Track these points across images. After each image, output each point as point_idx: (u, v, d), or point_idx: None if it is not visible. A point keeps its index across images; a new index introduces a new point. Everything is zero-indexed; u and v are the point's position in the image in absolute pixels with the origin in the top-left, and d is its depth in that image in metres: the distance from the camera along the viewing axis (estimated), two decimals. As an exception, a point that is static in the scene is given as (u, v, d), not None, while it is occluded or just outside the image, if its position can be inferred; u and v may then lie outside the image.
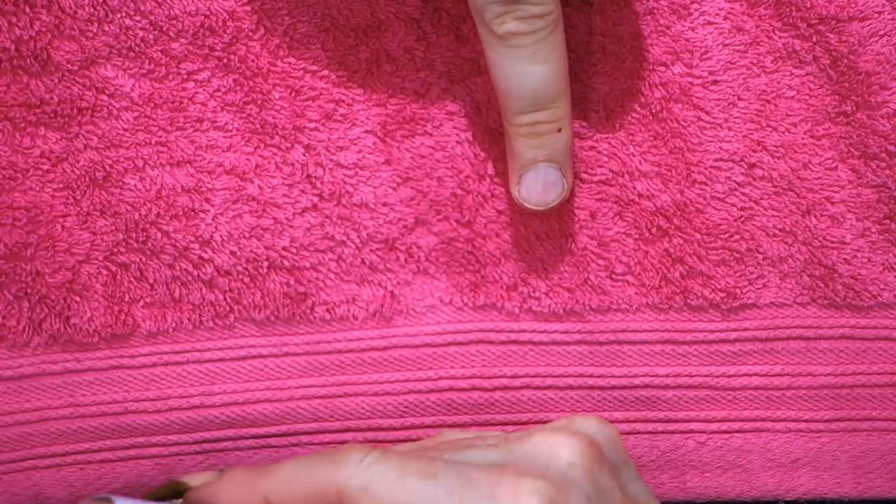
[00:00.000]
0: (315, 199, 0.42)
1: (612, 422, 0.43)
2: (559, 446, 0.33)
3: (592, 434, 0.34)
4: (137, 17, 0.40)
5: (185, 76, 0.41)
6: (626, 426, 0.43)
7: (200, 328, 0.42)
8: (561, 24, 0.37)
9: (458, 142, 0.42)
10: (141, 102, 0.41)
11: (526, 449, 0.33)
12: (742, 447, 0.44)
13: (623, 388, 0.43)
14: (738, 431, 0.44)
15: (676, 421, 0.43)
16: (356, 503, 0.31)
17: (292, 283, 0.42)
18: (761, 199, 0.42)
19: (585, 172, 0.42)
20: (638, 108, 0.41)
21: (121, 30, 0.40)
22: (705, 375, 0.43)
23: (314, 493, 0.32)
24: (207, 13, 0.40)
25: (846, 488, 0.44)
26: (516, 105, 0.38)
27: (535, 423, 0.43)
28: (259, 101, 0.41)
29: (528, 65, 0.36)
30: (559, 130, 0.38)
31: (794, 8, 0.40)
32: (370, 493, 0.31)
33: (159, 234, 0.41)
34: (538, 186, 0.39)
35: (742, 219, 0.42)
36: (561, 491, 0.31)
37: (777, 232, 0.42)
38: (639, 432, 0.43)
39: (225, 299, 0.42)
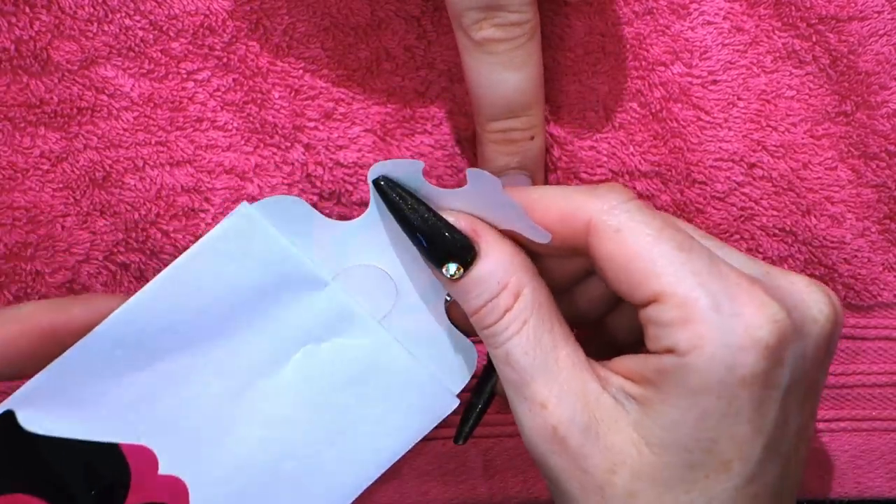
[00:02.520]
0: (315, 199, 0.42)
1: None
2: (814, 299, 0.32)
3: (839, 313, 0.33)
4: (137, 17, 0.40)
5: (184, 76, 0.41)
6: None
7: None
8: (538, 32, 0.37)
9: (457, 140, 0.42)
10: (141, 102, 0.41)
11: (783, 281, 0.33)
12: (742, 447, 0.44)
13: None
14: (737, 431, 0.44)
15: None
16: (603, 241, 0.32)
17: (292, 282, 0.42)
18: (761, 199, 0.42)
19: (585, 172, 0.42)
20: (638, 108, 0.41)
21: (120, 30, 0.40)
22: (705, 375, 0.43)
23: (568, 214, 0.32)
24: (207, 13, 0.40)
25: (846, 488, 0.44)
26: (490, 111, 0.38)
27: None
28: (259, 101, 0.41)
29: (503, 72, 0.37)
30: (532, 138, 0.39)
31: (793, 8, 0.40)
32: (620, 237, 0.31)
33: (159, 234, 0.41)
34: None
35: (742, 219, 0.42)
36: (794, 334, 0.31)
37: (777, 232, 0.42)
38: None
39: (225, 299, 0.42)
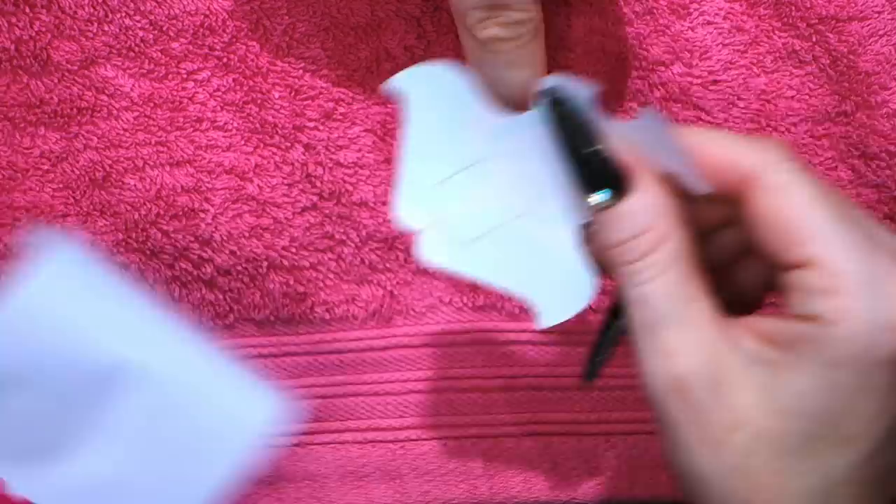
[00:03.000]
0: (315, 199, 0.42)
1: (611, 422, 0.43)
2: None
3: None
4: (137, 17, 0.40)
5: (184, 76, 0.41)
6: (626, 426, 0.43)
7: (200, 328, 0.42)
8: (542, 30, 0.37)
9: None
10: (141, 102, 0.41)
11: None
12: (742, 447, 0.44)
13: (623, 388, 0.43)
14: (737, 431, 0.44)
15: (676, 421, 0.43)
16: (763, 197, 0.32)
17: (292, 282, 0.42)
18: (761, 198, 0.42)
19: (585, 172, 0.42)
20: (638, 108, 0.41)
21: (120, 30, 0.40)
22: (705, 375, 0.43)
23: (729, 163, 0.32)
24: (207, 13, 0.40)
25: (846, 488, 0.44)
26: None
27: (536, 423, 0.43)
28: (259, 101, 0.41)
29: (508, 70, 0.37)
30: None
31: (793, 8, 0.40)
32: (781, 195, 0.31)
33: (159, 234, 0.41)
34: None
35: (742, 219, 0.42)
36: None
37: (777, 232, 0.42)
38: (638, 432, 0.43)
39: (225, 299, 0.42)
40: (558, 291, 0.35)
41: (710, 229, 0.36)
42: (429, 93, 0.34)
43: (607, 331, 0.36)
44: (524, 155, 0.34)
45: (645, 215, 0.32)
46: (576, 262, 0.35)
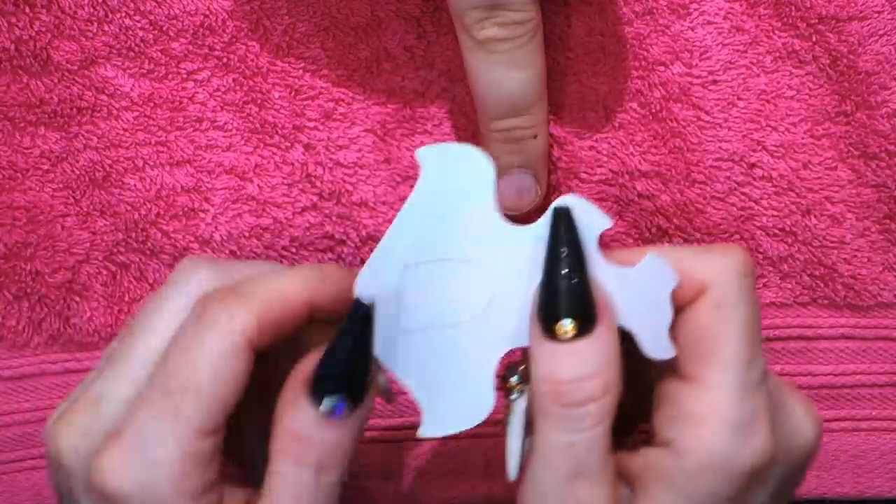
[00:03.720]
0: (315, 199, 0.42)
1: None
2: (805, 428, 0.33)
3: (819, 438, 0.34)
4: (137, 17, 0.40)
5: (184, 76, 0.41)
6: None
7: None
8: (541, 30, 0.37)
9: (457, 140, 0.42)
10: (141, 102, 0.41)
11: (788, 400, 0.33)
12: (742, 447, 0.44)
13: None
14: (737, 431, 0.44)
15: (676, 421, 0.43)
16: (702, 303, 0.32)
17: (292, 282, 0.42)
18: (761, 199, 0.42)
19: (585, 172, 0.42)
20: (638, 108, 0.41)
21: (120, 30, 0.40)
22: (705, 375, 0.43)
23: (683, 273, 0.32)
24: (207, 13, 0.40)
25: (846, 488, 0.44)
26: (493, 110, 0.38)
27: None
28: (259, 101, 0.41)
29: (506, 71, 0.37)
30: (535, 137, 0.39)
31: (793, 8, 0.40)
32: (720, 310, 0.31)
33: (159, 234, 0.41)
34: (512, 192, 0.39)
35: (742, 219, 0.42)
36: (783, 459, 0.32)
37: (777, 232, 0.42)
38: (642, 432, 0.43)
39: (225, 299, 0.42)
40: (452, 408, 0.34)
41: None
42: (447, 174, 0.33)
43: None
44: (501, 267, 0.33)
45: (599, 358, 0.31)
46: (485, 386, 0.34)
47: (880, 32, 0.40)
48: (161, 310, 0.33)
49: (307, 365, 0.32)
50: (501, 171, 0.39)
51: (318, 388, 0.31)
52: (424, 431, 0.34)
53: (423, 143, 0.42)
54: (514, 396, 0.34)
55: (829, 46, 0.40)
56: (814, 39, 0.41)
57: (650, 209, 0.42)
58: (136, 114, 0.41)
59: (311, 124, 0.41)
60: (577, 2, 0.40)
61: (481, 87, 0.37)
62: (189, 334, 0.31)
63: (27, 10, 0.40)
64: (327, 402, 0.31)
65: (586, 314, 0.31)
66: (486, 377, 0.34)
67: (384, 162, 0.41)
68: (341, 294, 0.33)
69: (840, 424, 0.43)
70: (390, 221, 0.42)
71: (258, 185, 0.41)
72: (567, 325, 0.31)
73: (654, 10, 0.40)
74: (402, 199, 0.42)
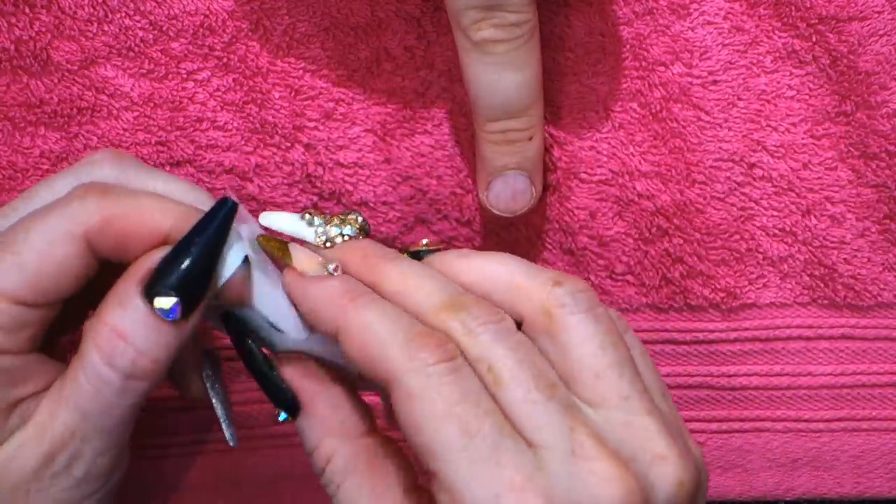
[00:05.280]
0: (315, 199, 0.42)
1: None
2: (606, 488, 0.29)
3: (659, 490, 0.30)
4: (137, 17, 0.40)
5: (184, 76, 0.41)
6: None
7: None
8: (537, 32, 0.37)
9: (457, 140, 0.42)
10: (141, 102, 0.41)
11: (578, 466, 0.29)
12: (742, 447, 0.44)
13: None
14: (738, 431, 0.44)
15: (676, 421, 0.43)
16: (396, 403, 0.30)
17: (292, 282, 0.42)
18: (761, 199, 0.42)
19: (585, 172, 0.42)
20: (638, 108, 0.41)
21: (120, 30, 0.40)
22: (705, 375, 0.43)
23: (375, 362, 0.31)
24: (207, 13, 0.40)
25: (846, 488, 0.44)
26: (489, 112, 0.38)
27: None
28: (259, 101, 0.41)
29: (502, 72, 0.36)
30: (530, 139, 0.38)
31: (793, 8, 0.40)
32: (411, 404, 0.30)
33: (159, 234, 0.41)
34: (507, 193, 0.39)
35: (742, 219, 0.42)
36: None
37: (777, 232, 0.42)
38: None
39: (225, 299, 0.42)
40: None
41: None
42: None
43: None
44: None
45: (309, 436, 0.33)
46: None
47: (880, 32, 0.40)
48: (50, 185, 0.34)
49: (146, 262, 0.32)
50: (496, 173, 0.39)
51: (157, 286, 0.31)
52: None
53: (423, 143, 0.42)
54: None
55: (829, 46, 0.40)
56: (814, 39, 0.41)
57: (650, 209, 0.42)
58: (136, 114, 0.41)
59: (311, 124, 0.41)
60: (577, 2, 0.40)
61: (477, 88, 0.37)
62: (42, 209, 0.32)
63: (27, 10, 0.40)
64: (164, 301, 0.31)
65: (286, 401, 0.34)
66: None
67: (384, 162, 0.41)
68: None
69: (840, 424, 0.44)
70: (391, 221, 0.42)
71: (258, 185, 0.41)
72: (283, 416, 0.34)
73: (654, 10, 0.40)
74: (403, 198, 0.42)
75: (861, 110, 0.41)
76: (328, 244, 0.35)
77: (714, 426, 0.44)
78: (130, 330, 0.31)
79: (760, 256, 0.42)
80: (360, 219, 0.35)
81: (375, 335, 0.31)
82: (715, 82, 0.41)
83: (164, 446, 0.43)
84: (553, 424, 0.30)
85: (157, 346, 0.32)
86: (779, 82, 0.41)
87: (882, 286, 0.42)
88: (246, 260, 0.33)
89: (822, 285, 0.42)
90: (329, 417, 0.33)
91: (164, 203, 0.33)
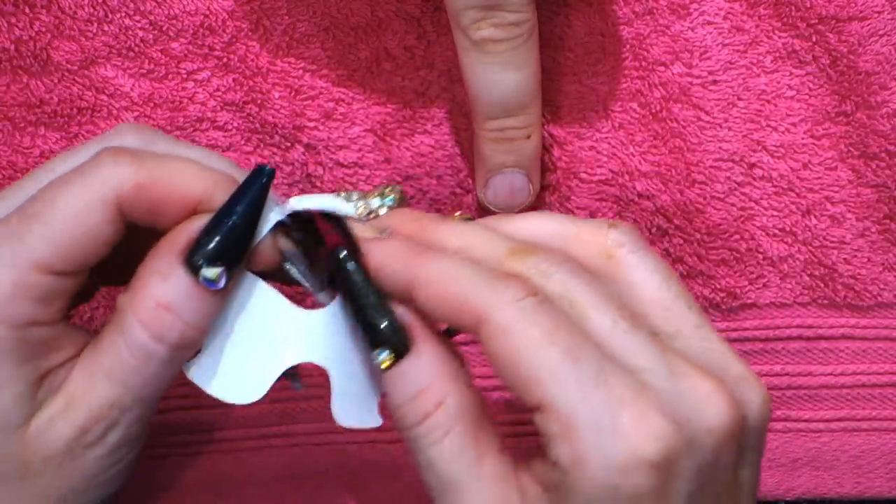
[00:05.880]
0: (315, 199, 0.42)
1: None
2: (711, 402, 0.30)
3: (751, 407, 0.31)
4: (137, 17, 0.40)
5: (184, 76, 0.41)
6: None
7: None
8: (536, 31, 0.37)
9: (457, 140, 0.42)
10: (141, 102, 0.41)
11: (686, 384, 0.30)
12: (742, 447, 0.44)
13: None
14: (737, 431, 0.44)
15: (676, 421, 0.43)
16: (490, 340, 0.30)
17: (292, 282, 0.42)
18: (761, 199, 0.42)
19: (585, 172, 0.42)
20: (638, 108, 0.41)
21: (120, 30, 0.40)
22: (705, 375, 0.43)
23: (459, 304, 0.30)
24: (207, 13, 0.40)
25: (846, 488, 0.44)
26: (487, 110, 0.38)
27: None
28: (259, 101, 0.41)
29: (501, 71, 0.37)
30: (528, 137, 0.39)
31: (793, 8, 0.40)
32: (506, 338, 0.29)
33: (159, 234, 0.41)
34: (505, 191, 0.40)
35: (742, 219, 0.42)
36: (686, 447, 0.29)
37: (777, 232, 0.42)
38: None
39: (225, 299, 0.42)
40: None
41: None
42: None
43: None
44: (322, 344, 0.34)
45: (420, 377, 0.31)
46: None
47: (880, 32, 0.40)
48: (76, 152, 0.33)
49: (183, 231, 0.32)
50: (494, 171, 0.39)
51: (198, 256, 0.31)
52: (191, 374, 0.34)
53: (423, 143, 0.42)
54: None
55: (829, 46, 0.40)
56: (814, 39, 0.41)
57: (650, 209, 0.42)
58: (136, 114, 0.41)
59: (311, 124, 0.41)
60: (577, 2, 0.41)
61: (476, 87, 0.37)
62: (67, 175, 0.32)
63: (27, 10, 0.40)
64: (211, 272, 0.31)
65: (396, 337, 0.32)
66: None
67: (384, 162, 0.42)
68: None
69: (840, 424, 0.43)
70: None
71: (258, 185, 0.41)
72: (383, 355, 0.32)
73: (654, 10, 0.40)
74: (402, 199, 0.42)
75: (861, 110, 0.41)
76: (371, 215, 0.34)
77: (714, 426, 0.44)
78: (176, 302, 0.31)
79: (760, 256, 0.42)
80: (399, 189, 0.35)
81: (455, 280, 0.30)
82: (715, 82, 0.41)
83: (164, 446, 0.43)
84: (646, 349, 0.30)
85: (203, 317, 0.32)
86: (779, 82, 0.41)
87: (882, 286, 0.42)
88: (277, 225, 0.33)
89: (822, 285, 0.42)
90: (443, 359, 0.32)
91: (197, 168, 0.32)
